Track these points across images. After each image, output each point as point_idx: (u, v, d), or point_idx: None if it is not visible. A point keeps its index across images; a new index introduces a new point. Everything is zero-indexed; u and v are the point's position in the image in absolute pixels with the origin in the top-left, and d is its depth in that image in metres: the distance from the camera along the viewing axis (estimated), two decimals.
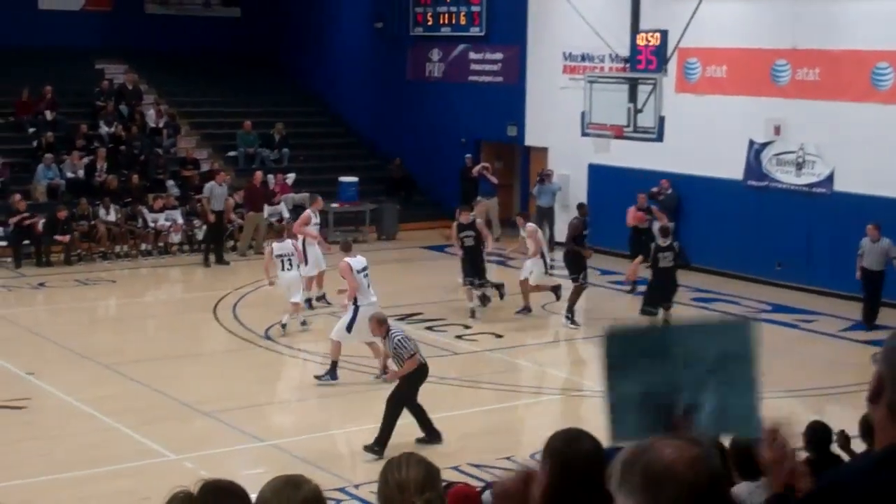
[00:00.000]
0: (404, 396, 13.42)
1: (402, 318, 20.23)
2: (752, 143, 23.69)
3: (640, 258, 20.42)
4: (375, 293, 16.66)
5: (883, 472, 2.60)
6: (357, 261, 16.65)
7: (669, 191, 24.55)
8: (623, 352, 2.84)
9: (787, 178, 23.22)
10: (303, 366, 17.66)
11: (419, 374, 13.58)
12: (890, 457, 2.63)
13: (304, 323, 19.37)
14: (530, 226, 20.69)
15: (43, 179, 26.97)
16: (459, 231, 20.53)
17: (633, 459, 2.52)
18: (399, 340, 13.68)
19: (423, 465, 3.55)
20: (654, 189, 24.35)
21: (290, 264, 19.03)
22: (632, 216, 23.34)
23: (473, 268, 20.23)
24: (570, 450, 3.52)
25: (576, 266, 20.06)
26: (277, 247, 19.38)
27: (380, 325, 14.02)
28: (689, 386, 2.81)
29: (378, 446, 13.03)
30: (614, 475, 2.55)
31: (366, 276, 16.57)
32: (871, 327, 19.47)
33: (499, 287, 20.72)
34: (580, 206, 21.35)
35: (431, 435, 13.48)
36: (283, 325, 18.98)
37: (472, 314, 20.25)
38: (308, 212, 21.45)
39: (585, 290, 20.10)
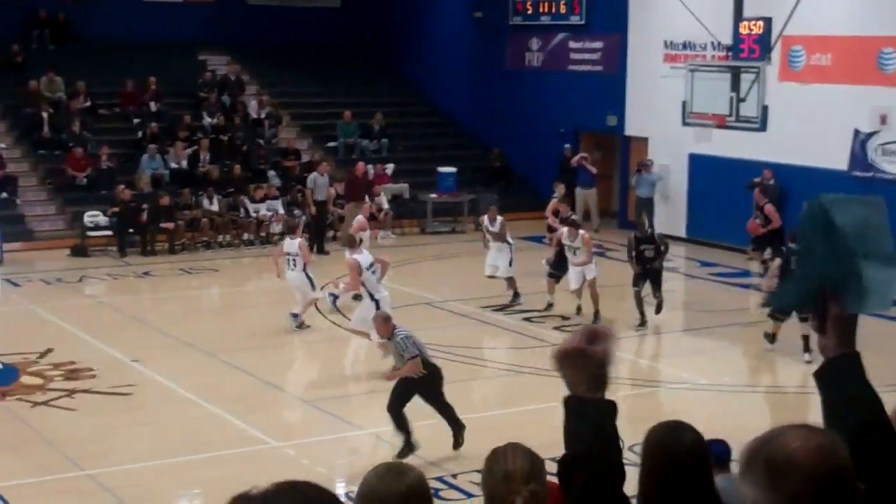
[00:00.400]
0: (438, 394, 13.14)
1: (500, 308, 20.25)
2: (857, 132, 23.23)
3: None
4: (385, 286, 16.82)
5: None
6: (365, 257, 16.63)
7: (772, 181, 24.19)
8: (814, 228, 2.86)
9: (893, 168, 22.76)
10: None
11: (436, 376, 13.18)
12: None
13: (301, 325, 18.97)
14: (585, 234, 20.23)
15: (147, 169, 27.43)
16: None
17: (757, 449, 2.43)
18: (401, 339, 13.08)
19: (529, 455, 3.54)
20: (757, 179, 24.02)
21: (294, 264, 18.90)
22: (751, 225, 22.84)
23: (562, 261, 20.04)
24: (670, 441, 3.49)
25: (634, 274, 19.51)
26: (287, 244, 19.38)
27: (385, 322, 13.48)
28: (842, 259, 2.79)
29: (461, 438, 13.02)
30: (739, 465, 2.48)
31: (373, 272, 16.63)
32: None
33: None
34: (640, 223, 20.31)
35: (408, 447, 12.94)
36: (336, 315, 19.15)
37: (549, 306, 20.13)
38: (362, 218, 21.47)
39: (646, 297, 19.38)
